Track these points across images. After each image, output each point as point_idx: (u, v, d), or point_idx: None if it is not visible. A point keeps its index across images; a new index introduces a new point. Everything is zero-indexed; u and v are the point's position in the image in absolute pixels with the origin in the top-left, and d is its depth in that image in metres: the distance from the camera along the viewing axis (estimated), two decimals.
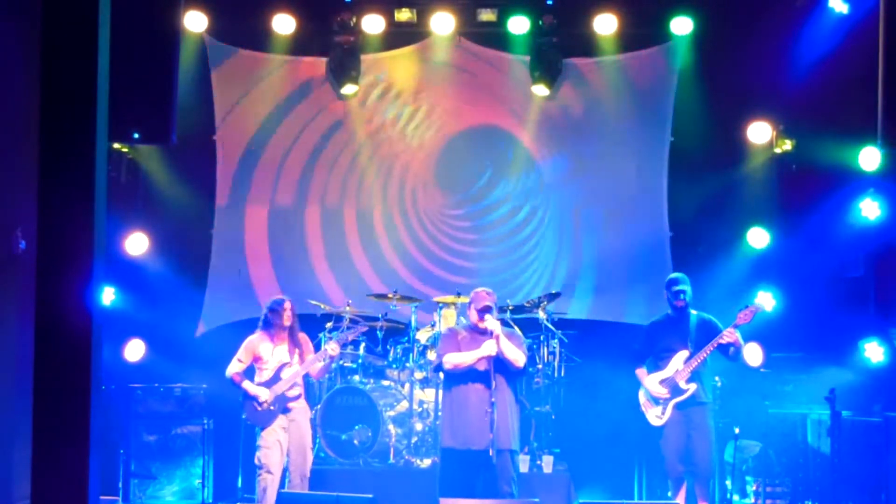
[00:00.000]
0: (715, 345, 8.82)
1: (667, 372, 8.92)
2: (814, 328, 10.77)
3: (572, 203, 11.97)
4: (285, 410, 8.93)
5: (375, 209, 12.10)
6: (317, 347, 10.43)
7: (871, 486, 9.72)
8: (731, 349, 8.87)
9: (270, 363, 8.97)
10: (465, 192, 12.04)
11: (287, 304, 9.06)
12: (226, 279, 11.96)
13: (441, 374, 8.68)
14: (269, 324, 9.01)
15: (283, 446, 8.90)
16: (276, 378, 8.93)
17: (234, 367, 8.96)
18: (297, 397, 9.03)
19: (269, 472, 8.82)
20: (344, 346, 9.98)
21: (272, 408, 8.88)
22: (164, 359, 11.31)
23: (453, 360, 8.22)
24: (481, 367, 8.15)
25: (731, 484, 9.96)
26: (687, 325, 8.99)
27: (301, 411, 9.04)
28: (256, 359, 8.99)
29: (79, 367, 5.48)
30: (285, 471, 8.96)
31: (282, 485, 8.87)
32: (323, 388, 10.54)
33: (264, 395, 8.87)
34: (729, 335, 8.77)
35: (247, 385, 8.92)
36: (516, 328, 8.73)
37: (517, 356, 8.21)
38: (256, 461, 8.88)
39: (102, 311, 5.69)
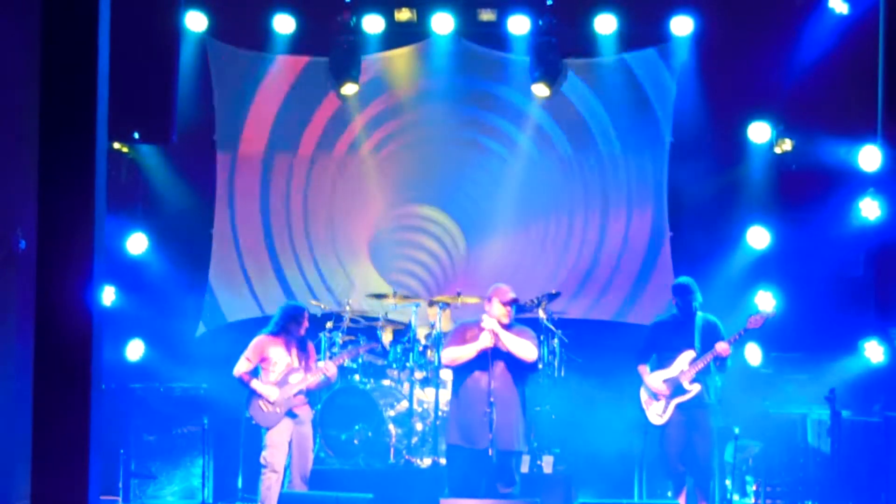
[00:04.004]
0: (715, 353, 8.80)
1: (671, 371, 8.91)
2: (814, 328, 10.77)
3: (572, 203, 11.96)
4: (292, 415, 8.94)
5: (377, 208, 12.10)
6: (316, 348, 10.47)
7: (871, 486, 9.72)
8: (718, 362, 8.86)
9: (279, 366, 8.97)
10: (465, 192, 12.04)
11: (307, 314, 9.15)
12: (226, 279, 11.96)
13: (442, 371, 8.67)
14: (285, 330, 9.03)
15: (288, 447, 8.91)
16: (283, 381, 8.94)
17: (242, 367, 8.93)
18: (303, 402, 9.04)
19: (273, 471, 8.83)
20: (341, 368, 10.09)
21: (279, 410, 8.88)
22: (164, 359, 11.31)
23: (451, 354, 8.21)
24: (485, 365, 8.11)
25: (731, 484, 9.95)
26: (692, 325, 8.97)
27: (305, 413, 9.05)
28: (263, 360, 8.97)
29: (79, 367, 5.48)
30: (287, 470, 8.97)
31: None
32: (323, 388, 10.53)
33: (273, 394, 8.87)
34: (723, 350, 8.75)
35: (255, 384, 8.90)
36: (527, 328, 8.62)
37: (525, 350, 8.14)
38: (262, 460, 8.88)
39: (102, 311, 5.69)
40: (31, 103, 5.70)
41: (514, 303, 8.21)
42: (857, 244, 10.76)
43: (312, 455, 9.14)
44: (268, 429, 8.89)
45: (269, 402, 8.86)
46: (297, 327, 9.05)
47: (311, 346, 9.23)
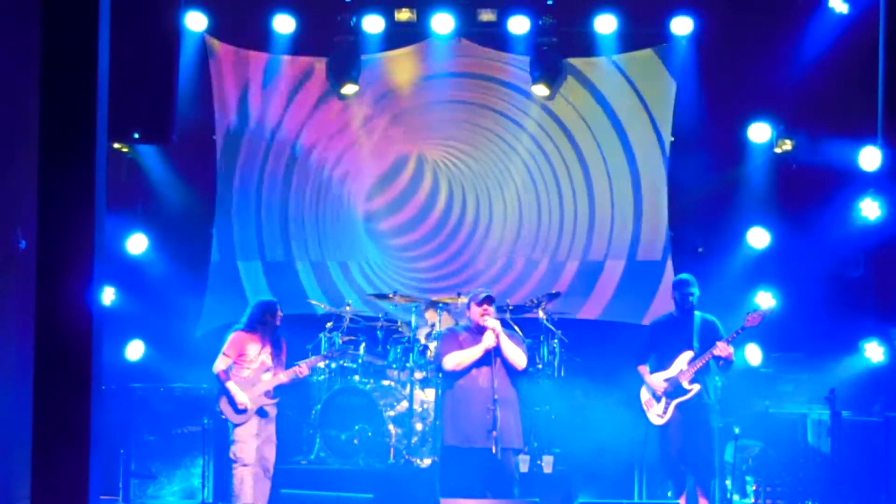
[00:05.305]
0: (713, 353, 8.81)
1: (670, 372, 8.91)
2: (814, 328, 10.78)
3: (572, 203, 11.97)
4: (263, 413, 9.06)
5: (377, 208, 12.11)
6: (316, 348, 10.49)
7: (871, 486, 9.73)
8: (721, 362, 8.87)
9: (254, 363, 9.09)
10: (465, 191, 12.05)
11: (279, 308, 9.27)
12: (226, 279, 11.97)
13: (440, 374, 8.67)
14: (261, 324, 9.13)
15: (257, 442, 9.04)
16: (256, 379, 9.06)
17: (221, 364, 9.05)
18: (272, 400, 9.16)
19: (244, 465, 8.97)
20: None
21: (250, 407, 9.01)
22: (164, 359, 11.31)
23: (455, 359, 8.18)
24: (483, 364, 8.13)
25: (731, 484, 9.96)
26: (691, 325, 8.97)
27: (272, 410, 9.19)
28: (240, 355, 9.09)
29: (79, 367, 5.47)
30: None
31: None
32: (323, 388, 10.55)
33: (245, 400, 8.99)
34: (722, 349, 8.75)
35: (231, 386, 9.01)
36: (517, 328, 8.71)
37: (518, 357, 8.18)
38: (232, 455, 9.02)
39: (102, 311, 5.69)
40: (31, 103, 5.69)
41: (488, 301, 8.19)
42: (857, 244, 10.78)
43: (275, 450, 9.20)
44: (236, 425, 9.00)
45: (239, 408, 8.96)
46: (272, 321, 9.14)
47: (283, 342, 9.29)
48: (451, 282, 11.80)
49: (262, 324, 9.14)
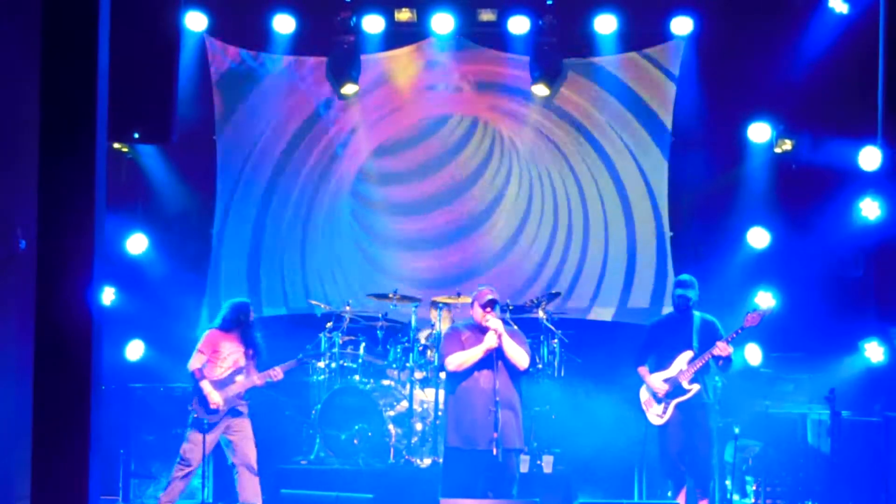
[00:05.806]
0: (713, 352, 8.81)
1: (670, 372, 8.92)
2: (814, 328, 10.78)
3: (572, 203, 11.97)
4: (236, 413, 9.14)
5: (376, 206, 12.11)
6: (316, 347, 10.49)
7: (871, 486, 9.73)
8: (721, 361, 8.88)
9: (227, 362, 9.19)
10: (465, 192, 12.05)
11: (251, 308, 9.43)
12: (226, 279, 11.97)
13: (443, 374, 8.68)
14: (235, 324, 9.24)
15: (210, 446, 9.11)
16: (230, 380, 9.15)
17: (197, 361, 9.15)
18: (244, 400, 9.24)
19: (188, 465, 9.08)
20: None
21: (223, 408, 9.08)
22: (164, 359, 11.30)
23: (457, 359, 8.17)
24: (485, 366, 8.13)
25: (731, 484, 9.96)
26: (690, 325, 8.98)
27: (245, 408, 9.24)
28: (214, 352, 9.19)
29: (79, 367, 5.47)
30: (233, 466, 9.20)
31: (227, 477, 9.32)
32: (323, 388, 10.55)
33: (218, 401, 9.06)
34: (722, 349, 8.76)
35: (205, 385, 9.08)
36: (515, 327, 8.70)
37: (520, 357, 8.17)
38: (182, 453, 9.10)
39: (102, 311, 5.69)
40: (32, 103, 5.69)
41: (492, 304, 8.19)
42: (857, 244, 10.78)
43: (254, 446, 9.21)
44: (204, 425, 9.04)
45: (211, 408, 9.04)
46: (246, 320, 9.24)
47: (258, 344, 9.35)
48: (451, 280, 11.79)
49: (237, 324, 9.24)
